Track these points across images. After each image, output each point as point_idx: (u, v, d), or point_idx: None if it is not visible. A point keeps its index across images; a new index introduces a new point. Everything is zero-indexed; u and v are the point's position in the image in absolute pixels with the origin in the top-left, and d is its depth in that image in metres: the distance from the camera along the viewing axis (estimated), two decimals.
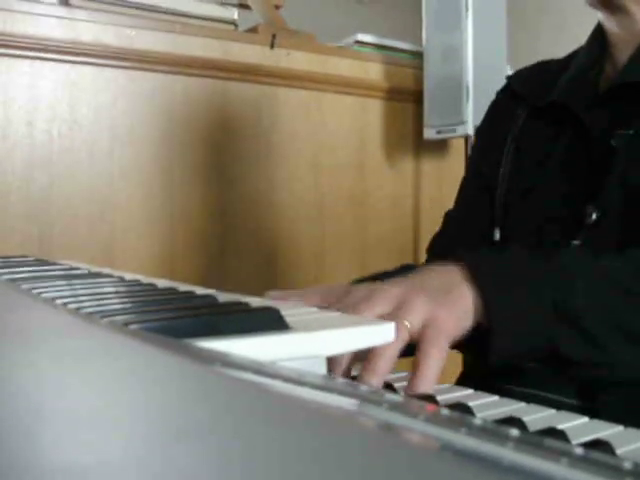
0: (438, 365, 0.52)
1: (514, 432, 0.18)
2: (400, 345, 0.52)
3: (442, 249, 0.96)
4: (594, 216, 0.74)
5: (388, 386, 0.54)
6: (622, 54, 0.82)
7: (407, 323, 0.53)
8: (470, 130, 1.74)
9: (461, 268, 0.59)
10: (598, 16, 0.85)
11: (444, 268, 0.60)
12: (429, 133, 1.85)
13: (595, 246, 0.73)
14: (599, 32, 0.86)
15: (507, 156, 0.87)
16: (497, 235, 0.85)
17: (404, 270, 0.87)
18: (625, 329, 0.58)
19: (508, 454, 0.16)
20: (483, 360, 0.57)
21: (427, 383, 0.51)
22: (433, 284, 0.57)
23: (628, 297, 0.59)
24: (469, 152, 1.79)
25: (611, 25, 0.83)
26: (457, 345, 0.58)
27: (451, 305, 0.56)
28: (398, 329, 0.51)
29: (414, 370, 0.52)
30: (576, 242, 0.75)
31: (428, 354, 0.52)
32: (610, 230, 0.73)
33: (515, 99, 0.92)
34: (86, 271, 0.72)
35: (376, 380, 0.51)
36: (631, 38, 0.81)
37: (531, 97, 0.89)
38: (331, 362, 0.53)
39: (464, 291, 0.57)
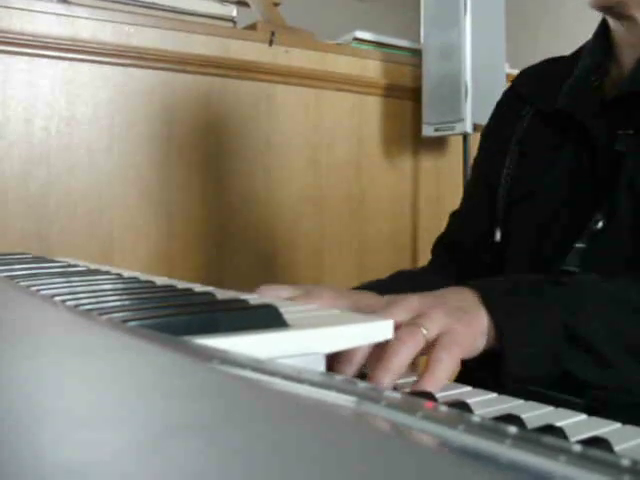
0: (448, 370, 0.51)
1: (512, 429, 0.18)
2: (415, 349, 0.52)
3: (446, 250, 0.96)
4: (601, 222, 0.74)
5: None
6: (628, 58, 0.81)
7: (424, 330, 0.53)
8: (468, 128, 1.74)
9: (476, 292, 0.59)
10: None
11: (460, 289, 0.60)
12: (427, 131, 1.85)
13: (601, 251, 0.74)
14: (603, 29, 0.85)
15: (511, 158, 0.88)
16: (498, 235, 0.86)
17: (398, 277, 0.87)
18: (635, 348, 0.59)
19: (506, 451, 0.16)
20: (497, 381, 0.57)
21: (435, 384, 0.50)
22: (452, 303, 0.57)
23: (637, 316, 0.60)
24: (467, 150, 1.79)
25: (616, 26, 0.82)
26: (471, 365, 0.58)
27: (467, 323, 0.56)
28: (415, 334, 0.52)
29: (424, 371, 0.51)
30: (580, 245, 0.75)
31: (440, 358, 0.52)
32: (616, 236, 0.74)
33: (520, 100, 0.91)
34: (84, 268, 0.72)
35: (389, 379, 0.50)
36: (637, 41, 0.79)
37: (536, 100, 0.89)
38: (342, 361, 0.53)
39: (480, 313, 0.57)
